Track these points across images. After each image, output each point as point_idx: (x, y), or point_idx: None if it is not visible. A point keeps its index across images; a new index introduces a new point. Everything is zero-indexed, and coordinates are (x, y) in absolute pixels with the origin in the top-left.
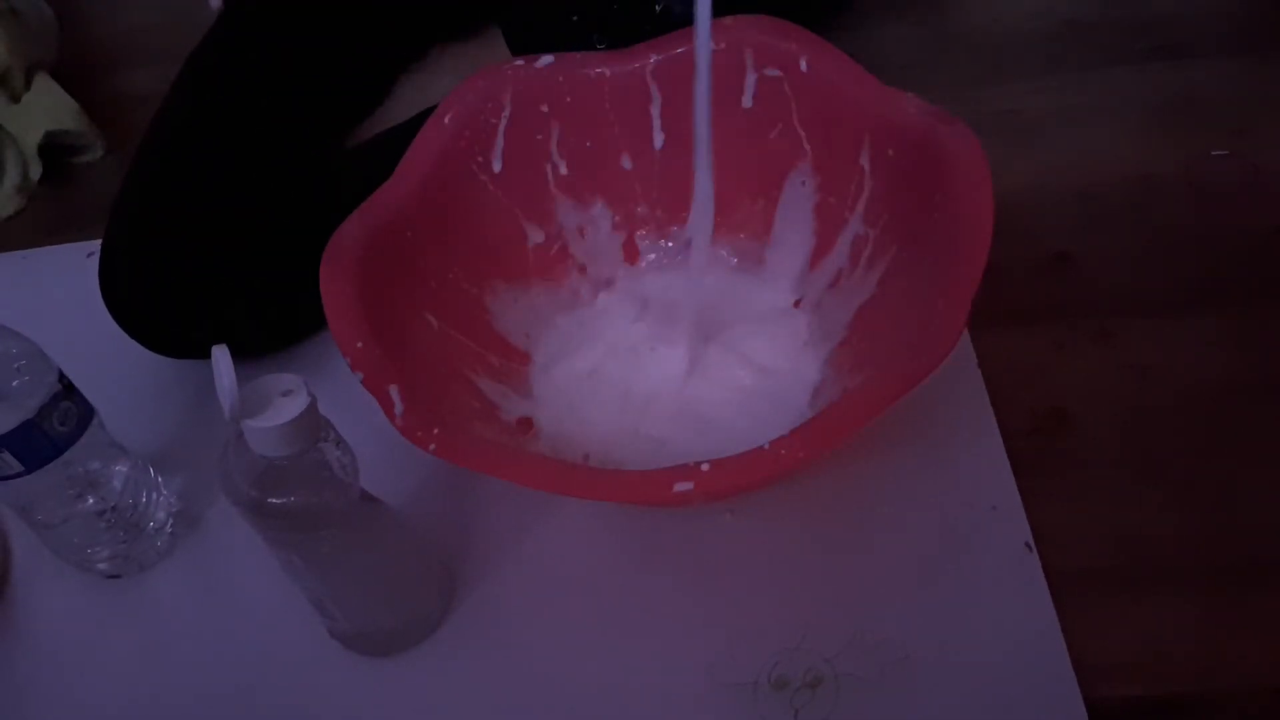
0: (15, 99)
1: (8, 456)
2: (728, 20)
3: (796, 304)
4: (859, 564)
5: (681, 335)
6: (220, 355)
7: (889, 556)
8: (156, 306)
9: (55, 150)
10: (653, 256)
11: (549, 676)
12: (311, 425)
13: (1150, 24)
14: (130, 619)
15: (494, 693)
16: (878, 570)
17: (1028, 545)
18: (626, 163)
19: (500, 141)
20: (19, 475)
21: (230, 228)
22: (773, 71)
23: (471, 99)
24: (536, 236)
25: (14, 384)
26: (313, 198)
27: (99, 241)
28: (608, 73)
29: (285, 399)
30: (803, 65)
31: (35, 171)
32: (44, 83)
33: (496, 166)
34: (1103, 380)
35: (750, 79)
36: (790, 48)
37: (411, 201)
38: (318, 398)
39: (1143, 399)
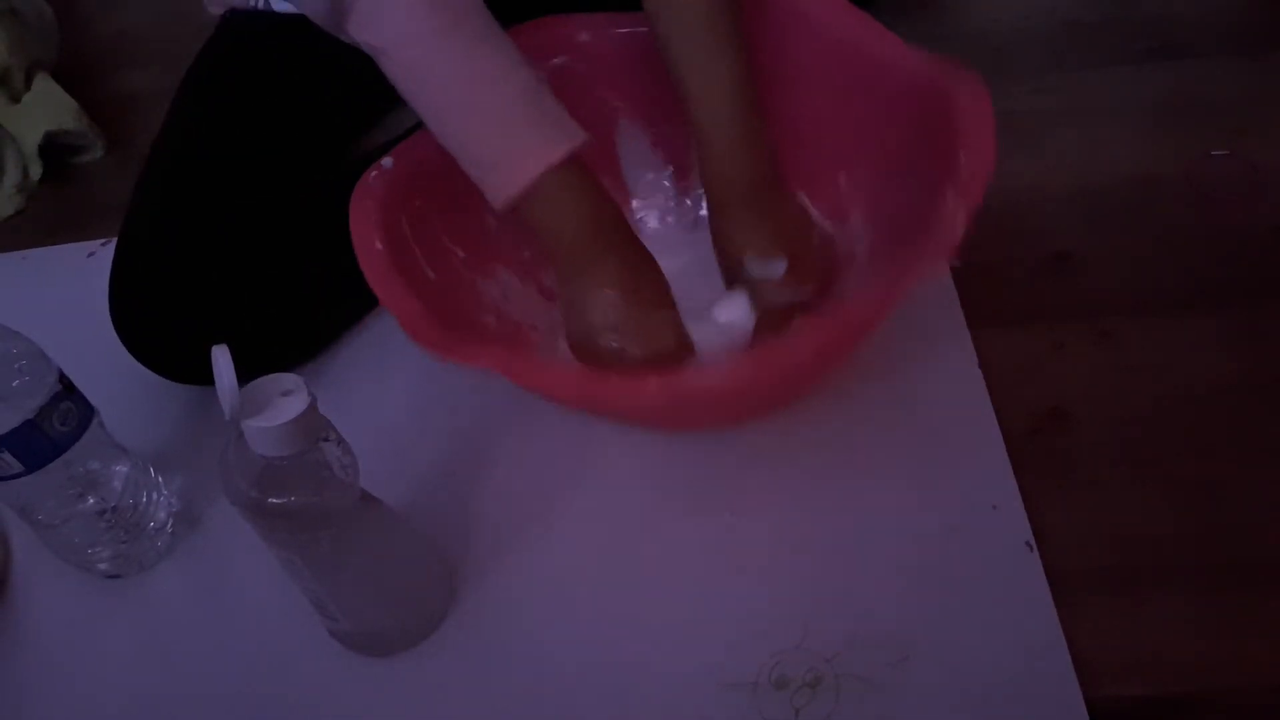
0: (15, 99)
1: (8, 457)
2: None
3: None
4: (859, 564)
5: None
6: (220, 355)
7: (889, 556)
8: (173, 337)
9: (55, 150)
10: None
11: (549, 676)
12: (311, 425)
13: (1150, 24)
14: (130, 619)
15: (494, 693)
16: (878, 570)
17: (1028, 545)
18: (490, 221)
19: (417, 250)
20: (19, 475)
21: (241, 251)
22: (559, 60)
23: (378, 216)
24: (490, 321)
25: (14, 384)
26: (322, 206)
27: (99, 241)
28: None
29: (285, 399)
30: (584, 38)
31: (35, 171)
32: (44, 83)
33: (431, 275)
34: (1103, 380)
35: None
36: (566, 33)
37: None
38: (318, 398)
39: (1143, 399)
